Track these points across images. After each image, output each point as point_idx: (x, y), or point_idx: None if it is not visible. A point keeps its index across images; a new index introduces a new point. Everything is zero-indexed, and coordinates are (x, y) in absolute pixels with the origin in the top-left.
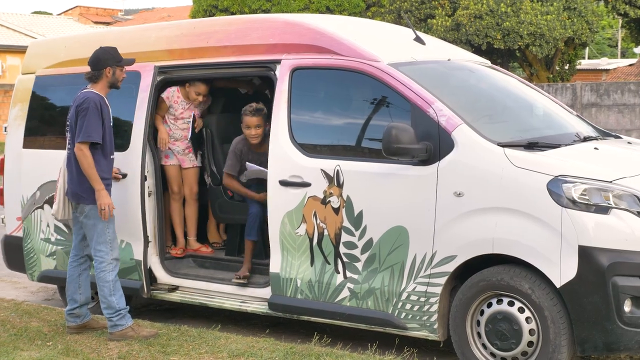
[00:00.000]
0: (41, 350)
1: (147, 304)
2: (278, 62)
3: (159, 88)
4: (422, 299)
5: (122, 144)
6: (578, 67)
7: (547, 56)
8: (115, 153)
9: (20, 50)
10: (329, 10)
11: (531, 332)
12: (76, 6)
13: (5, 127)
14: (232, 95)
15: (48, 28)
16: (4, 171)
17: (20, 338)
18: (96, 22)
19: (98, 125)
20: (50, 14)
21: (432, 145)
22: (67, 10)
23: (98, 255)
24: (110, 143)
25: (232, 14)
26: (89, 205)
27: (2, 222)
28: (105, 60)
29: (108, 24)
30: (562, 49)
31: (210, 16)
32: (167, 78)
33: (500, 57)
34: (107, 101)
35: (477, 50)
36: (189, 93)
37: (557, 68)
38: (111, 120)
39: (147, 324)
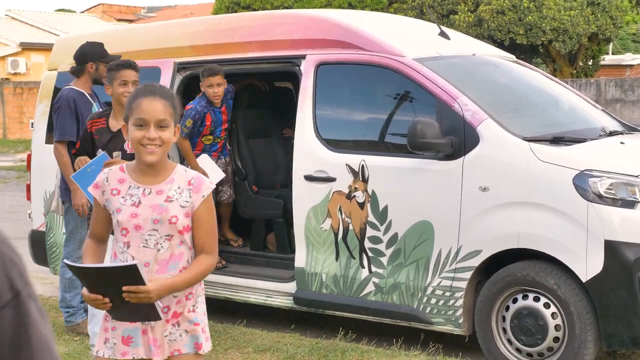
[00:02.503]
0: (69, 345)
1: None
2: (303, 57)
3: (183, 86)
4: (448, 294)
5: None
6: (602, 62)
7: (571, 52)
8: None
9: (44, 47)
10: (350, 7)
11: (557, 327)
12: (99, 4)
13: (32, 123)
14: (257, 91)
15: (71, 26)
16: (30, 167)
17: None
18: (119, 20)
19: (72, 123)
20: (74, 11)
21: (457, 139)
22: (90, 8)
23: (65, 250)
24: None
25: (254, 10)
26: (67, 203)
27: (29, 217)
28: (88, 55)
29: (131, 21)
30: (586, 45)
31: (232, 13)
32: (191, 74)
33: (523, 52)
34: (88, 97)
35: (499, 46)
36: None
37: (581, 64)
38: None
39: None
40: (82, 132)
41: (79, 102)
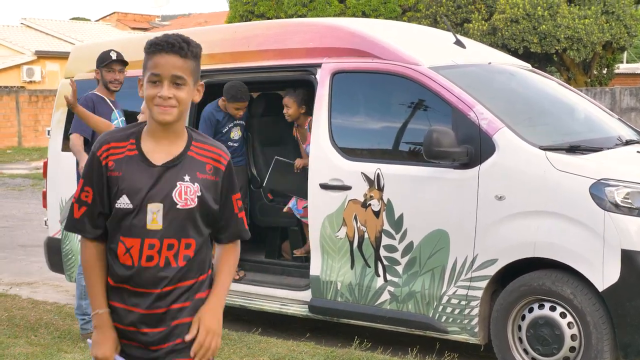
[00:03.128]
0: (84, 353)
1: None
2: (319, 65)
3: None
4: (463, 303)
5: None
6: (616, 71)
7: (585, 60)
8: None
9: (59, 56)
10: (364, 15)
11: (573, 337)
12: (114, 12)
13: (49, 131)
14: (272, 99)
15: (86, 34)
16: (46, 174)
17: (63, 340)
18: (133, 28)
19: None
20: (89, 20)
21: (473, 148)
22: (104, 17)
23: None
24: None
25: (269, 19)
26: None
27: (45, 225)
28: (95, 63)
29: (145, 29)
30: (600, 53)
31: (246, 21)
32: (206, 83)
33: (537, 61)
34: (109, 102)
35: (513, 55)
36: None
37: (595, 72)
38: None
39: None
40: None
41: (98, 104)
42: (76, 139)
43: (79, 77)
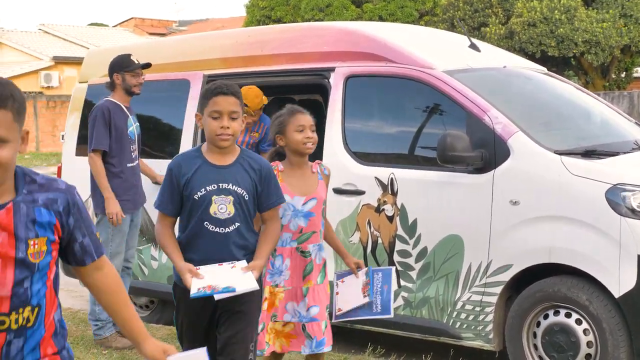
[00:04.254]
0: (98, 359)
1: None
2: (332, 69)
3: None
4: (478, 309)
5: (172, 151)
6: (635, 75)
7: (603, 64)
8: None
9: (77, 61)
10: (381, 20)
11: (589, 344)
12: (131, 18)
13: (63, 136)
14: (284, 102)
15: (104, 39)
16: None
17: (77, 346)
18: (151, 34)
19: (105, 133)
20: (106, 25)
21: (488, 153)
22: (122, 22)
23: None
24: (122, 151)
25: (285, 24)
26: (100, 215)
27: None
28: (113, 67)
29: (162, 35)
30: (618, 57)
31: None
32: None
33: (555, 65)
34: (125, 109)
35: (531, 59)
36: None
37: (614, 76)
38: (129, 128)
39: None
40: (114, 141)
41: (114, 112)
42: (96, 158)
43: (93, 81)
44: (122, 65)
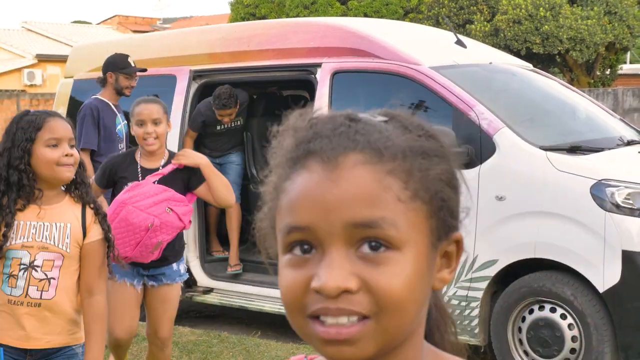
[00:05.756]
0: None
1: (187, 311)
2: (319, 65)
3: (198, 93)
4: (463, 304)
5: None
6: (619, 72)
7: (588, 61)
8: None
9: (60, 59)
10: (366, 17)
11: (574, 339)
12: (115, 15)
13: None
14: (272, 99)
15: (87, 37)
16: None
17: None
18: (135, 31)
19: (93, 132)
20: (90, 23)
21: (474, 148)
22: (106, 20)
23: None
24: (110, 149)
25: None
26: None
27: None
28: (109, 65)
29: (147, 32)
30: (603, 54)
31: None
32: (206, 82)
33: (540, 62)
34: (113, 107)
35: (516, 56)
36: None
37: (598, 73)
38: (118, 127)
39: (188, 330)
40: (102, 140)
41: (102, 111)
42: (84, 157)
43: (79, 76)
44: (118, 65)
